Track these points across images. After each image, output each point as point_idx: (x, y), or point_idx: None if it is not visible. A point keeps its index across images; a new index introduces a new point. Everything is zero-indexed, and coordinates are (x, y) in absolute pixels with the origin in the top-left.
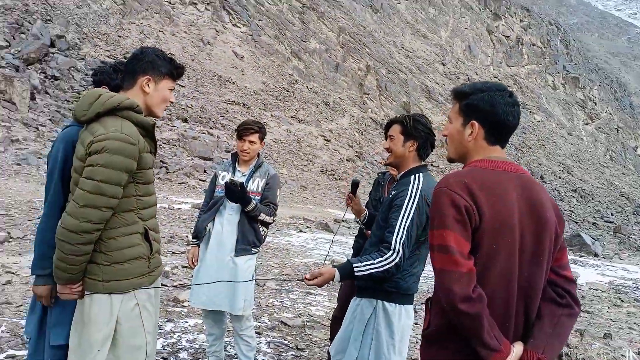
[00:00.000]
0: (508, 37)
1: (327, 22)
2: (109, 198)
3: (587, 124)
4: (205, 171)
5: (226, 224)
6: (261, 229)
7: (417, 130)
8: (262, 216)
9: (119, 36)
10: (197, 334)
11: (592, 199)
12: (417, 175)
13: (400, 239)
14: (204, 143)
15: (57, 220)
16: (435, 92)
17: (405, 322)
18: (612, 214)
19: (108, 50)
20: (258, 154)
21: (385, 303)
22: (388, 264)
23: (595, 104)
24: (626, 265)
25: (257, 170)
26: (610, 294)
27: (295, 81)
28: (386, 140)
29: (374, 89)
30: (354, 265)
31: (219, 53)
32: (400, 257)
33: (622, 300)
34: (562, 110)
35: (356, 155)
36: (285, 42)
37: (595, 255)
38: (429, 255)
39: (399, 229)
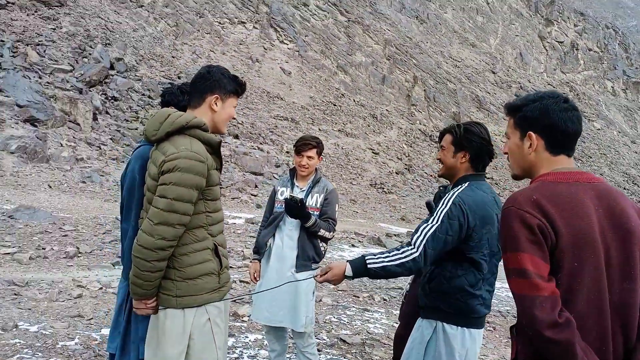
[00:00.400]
0: (562, 42)
1: (373, 35)
2: (182, 215)
3: None
4: (256, 186)
5: (286, 239)
6: (320, 244)
7: (468, 141)
8: (322, 232)
9: (173, 57)
10: (259, 350)
11: None
12: (461, 184)
13: (423, 238)
14: (255, 158)
15: None
16: (487, 101)
17: (471, 347)
18: None
19: (163, 71)
20: (316, 169)
21: (446, 325)
22: (404, 257)
23: None
24: None
25: (315, 186)
26: None
27: (342, 95)
28: (440, 151)
29: (421, 100)
30: (367, 257)
31: (267, 70)
32: (420, 254)
33: None
34: (623, 117)
35: (405, 168)
36: (331, 56)
37: None
38: (492, 277)
39: (424, 228)
